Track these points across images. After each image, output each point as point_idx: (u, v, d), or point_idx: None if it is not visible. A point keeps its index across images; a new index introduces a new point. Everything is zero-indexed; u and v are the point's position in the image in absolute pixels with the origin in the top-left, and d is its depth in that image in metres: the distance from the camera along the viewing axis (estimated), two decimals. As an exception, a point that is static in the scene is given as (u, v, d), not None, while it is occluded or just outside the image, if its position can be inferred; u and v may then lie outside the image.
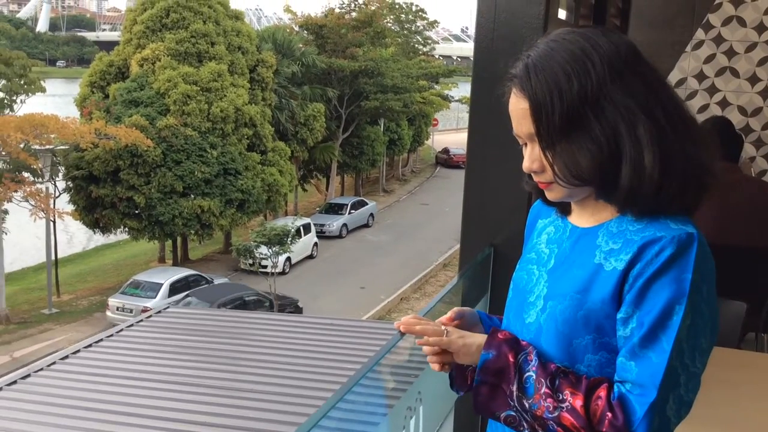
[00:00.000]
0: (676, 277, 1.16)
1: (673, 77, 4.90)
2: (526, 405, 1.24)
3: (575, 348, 1.25)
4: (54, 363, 8.60)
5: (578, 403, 1.19)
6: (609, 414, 1.17)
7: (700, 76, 4.89)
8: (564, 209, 1.39)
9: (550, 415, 1.21)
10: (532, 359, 1.27)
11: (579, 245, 1.31)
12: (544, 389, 1.23)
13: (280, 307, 19.10)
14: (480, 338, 1.33)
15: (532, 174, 1.31)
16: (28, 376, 8.21)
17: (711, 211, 3.17)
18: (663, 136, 1.20)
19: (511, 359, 1.27)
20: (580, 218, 1.35)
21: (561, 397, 1.21)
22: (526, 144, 1.30)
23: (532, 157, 1.28)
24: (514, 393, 1.25)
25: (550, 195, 1.32)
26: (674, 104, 1.24)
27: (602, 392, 1.19)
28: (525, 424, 1.26)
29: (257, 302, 18.97)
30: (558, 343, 1.27)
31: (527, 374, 1.26)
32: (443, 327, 1.35)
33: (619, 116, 1.19)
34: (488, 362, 1.29)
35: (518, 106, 1.26)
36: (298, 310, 19.79)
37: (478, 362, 1.30)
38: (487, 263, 2.46)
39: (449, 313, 1.40)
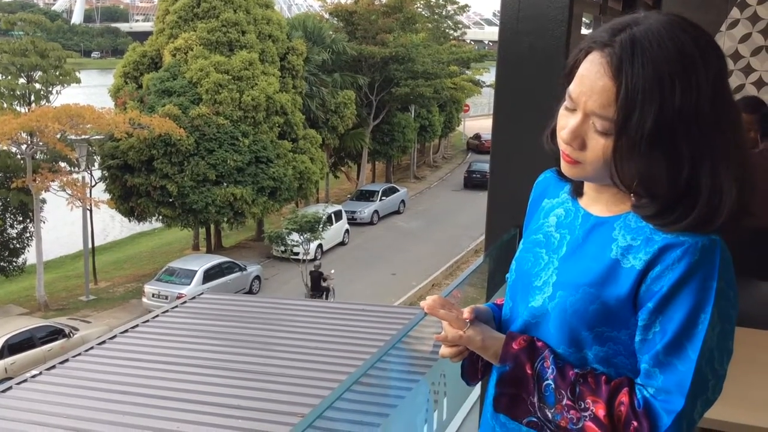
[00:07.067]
0: (700, 285, 1.13)
1: (707, 57, 4.78)
2: (549, 415, 1.23)
3: (583, 338, 1.22)
4: (92, 348, 8.80)
5: (601, 412, 1.17)
6: (634, 422, 1.15)
7: (736, 56, 4.76)
8: (577, 190, 1.32)
9: (574, 427, 1.20)
10: (549, 366, 1.24)
11: (593, 235, 1.25)
12: (565, 401, 1.21)
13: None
14: (497, 345, 1.30)
15: (566, 144, 1.19)
16: (67, 360, 8.41)
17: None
18: (737, 177, 1.14)
19: (529, 371, 1.25)
20: (595, 205, 1.28)
21: (583, 406, 1.19)
22: (573, 109, 1.18)
23: (578, 131, 1.17)
24: (536, 404, 1.24)
25: (568, 171, 1.23)
26: (744, 142, 1.18)
27: (624, 398, 1.17)
28: (547, 431, 1.25)
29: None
30: (565, 331, 1.24)
31: (546, 382, 1.24)
32: (466, 320, 1.31)
33: (705, 147, 1.11)
34: (505, 375, 1.28)
35: (600, 81, 1.13)
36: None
37: (494, 363, 1.30)
38: (513, 244, 2.43)
39: (466, 311, 1.34)
